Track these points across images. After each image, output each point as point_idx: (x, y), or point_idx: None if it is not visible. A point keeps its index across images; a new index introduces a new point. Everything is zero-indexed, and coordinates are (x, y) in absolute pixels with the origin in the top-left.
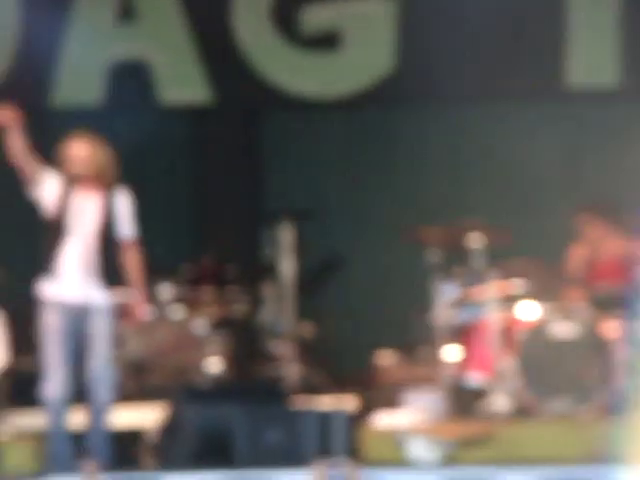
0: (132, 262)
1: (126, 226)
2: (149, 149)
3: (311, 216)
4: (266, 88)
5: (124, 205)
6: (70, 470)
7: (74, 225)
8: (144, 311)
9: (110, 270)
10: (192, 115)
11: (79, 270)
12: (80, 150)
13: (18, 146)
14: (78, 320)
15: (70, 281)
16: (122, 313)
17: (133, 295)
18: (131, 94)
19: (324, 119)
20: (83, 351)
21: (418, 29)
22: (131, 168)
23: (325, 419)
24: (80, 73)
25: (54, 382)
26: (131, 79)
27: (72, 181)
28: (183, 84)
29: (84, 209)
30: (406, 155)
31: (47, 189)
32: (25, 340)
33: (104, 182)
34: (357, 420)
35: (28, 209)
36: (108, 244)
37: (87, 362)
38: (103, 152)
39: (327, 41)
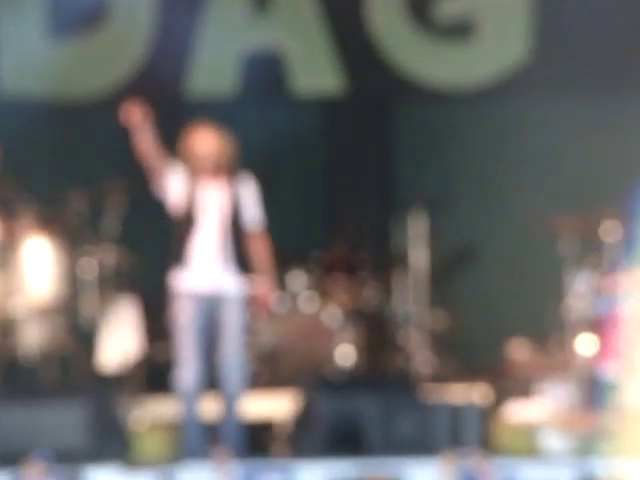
0: (259, 250)
1: (253, 214)
2: (281, 138)
3: (442, 204)
4: (398, 78)
5: (250, 193)
6: (203, 458)
7: (202, 215)
8: (272, 299)
9: (239, 259)
10: (324, 105)
11: (210, 259)
12: (205, 140)
13: (147, 144)
14: (210, 309)
15: (201, 271)
16: (252, 302)
17: (262, 283)
18: (264, 84)
19: (456, 108)
20: (215, 340)
21: (553, 19)
22: (263, 157)
23: (456, 409)
24: (214, 64)
25: (187, 371)
26: (264, 69)
27: (198, 171)
28: (316, 74)
29: (211, 199)
30: (538, 144)
31: (174, 182)
32: (159, 329)
33: (229, 171)
34: (489, 410)
35: (159, 202)
36: (236, 233)
37: (219, 351)
38: (227, 141)
39: (461, 31)
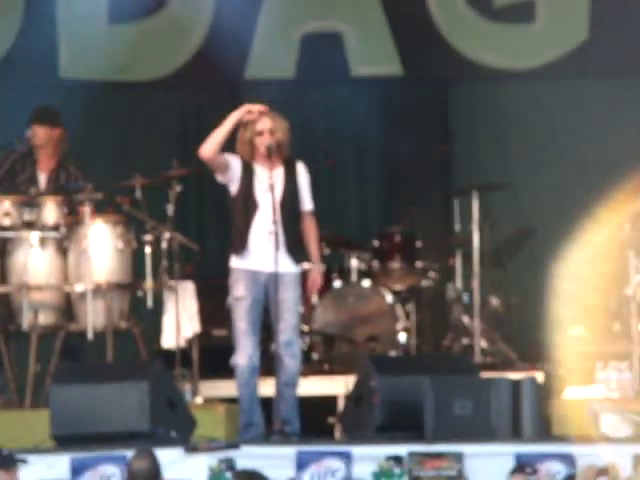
0: (311, 233)
1: (306, 198)
2: (341, 121)
3: (502, 188)
4: (458, 59)
5: (303, 178)
6: (261, 438)
7: (259, 199)
8: (320, 281)
9: (294, 242)
10: (384, 87)
11: (266, 242)
12: (261, 124)
13: (225, 137)
14: (267, 291)
15: (258, 253)
16: (305, 283)
17: (312, 266)
18: (324, 66)
19: (515, 90)
20: (273, 321)
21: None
22: (323, 140)
23: (515, 392)
24: (274, 45)
25: (244, 352)
26: (324, 51)
27: (255, 155)
28: (376, 56)
29: (267, 182)
30: (597, 125)
31: (232, 169)
32: (217, 311)
33: (284, 154)
34: (547, 394)
35: (219, 188)
36: (290, 215)
37: (276, 331)
38: (283, 125)
39: (519, 12)
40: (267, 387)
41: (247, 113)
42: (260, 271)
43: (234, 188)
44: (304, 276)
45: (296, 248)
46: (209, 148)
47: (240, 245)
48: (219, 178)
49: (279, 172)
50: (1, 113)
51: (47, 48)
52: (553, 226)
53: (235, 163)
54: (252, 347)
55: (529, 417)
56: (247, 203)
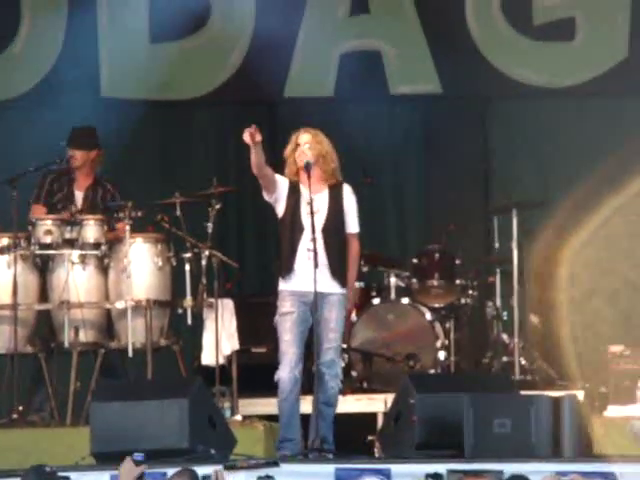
0: (352, 256)
1: (351, 221)
2: (379, 138)
3: (541, 205)
4: (496, 77)
5: (350, 200)
6: (300, 456)
7: (304, 221)
8: (356, 300)
9: (339, 263)
10: (422, 104)
11: (310, 262)
12: (308, 145)
13: (259, 159)
14: (310, 310)
15: (303, 273)
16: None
17: (354, 286)
18: (363, 83)
19: (554, 107)
20: (315, 339)
21: None
22: (362, 157)
23: (555, 410)
24: (313, 64)
25: (288, 364)
26: (363, 69)
27: (300, 176)
28: (414, 74)
29: (314, 203)
30: (633, 141)
31: (280, 190)
32: (256, 329)
33: (331, 177)
34: (588, 412)
35: (258, 206)
36: (336, 238)
37: (318, 349)
38: (325, 143)
39: (559, 30)
40: (306, 405)
41: (246, 136)
42: (306, 291)
43: (280, 209)
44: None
45: (341, 269)
46: (252, 165)
47: (286, 268)
48: (266, 197)
49: (324, 194)
50: (43, 132)
51: (89, 67)
52: (591, 243)
53: (282, 184)
54: (296, 360)
55: (569, 435)
56: (292, 225)
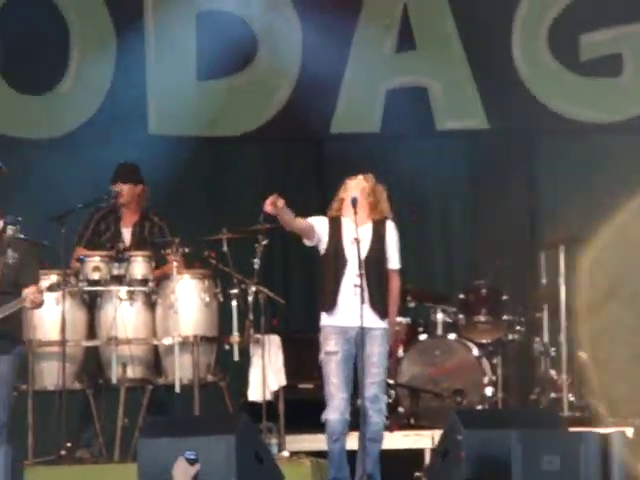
0: (393, 292)
1: (393, 256)
2: (425, 173)
3: (587, 241)
4: (542, 112)
5: (392, 235)
6: None
7: (348, 255)
8: (400, 338)
9: (380, 297)
10: (468, 139)
11: (353, 297)
12: (357, 182)
13: (288, 219)
14: (355, 346)
15: (346, 308)
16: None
17: (395, 321)
18: (410, 120)
19: (601, 143)
20: (360, 376)
21: None
22: (409, 193)
23: (604, 447)
24: (360, 100)
25: (336, 407)
26: (409, 105)
27: (345, 214)
28: (460, 109)
29: (358, 240)
30: None
31: (320, 232)
32: (303, 365)
33: (377, 213)
34: (637, 449)
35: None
36: (377, 272)
37: (363, 386)
38: (378, 185)
39: (606, 65)
40: (351, 441)
41: (268, 207)
42: (349, 326)
43: (322, 247)
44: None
45: (382, 303)
46: (284, 225)
47: (330, 302)
48: (307, 243)
49: (367, 227)
50: (91, 170)
51: (137, 104)
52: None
53: (321, 225)
54: (344, 403)
55: (619, 473)
56: (336, 258)
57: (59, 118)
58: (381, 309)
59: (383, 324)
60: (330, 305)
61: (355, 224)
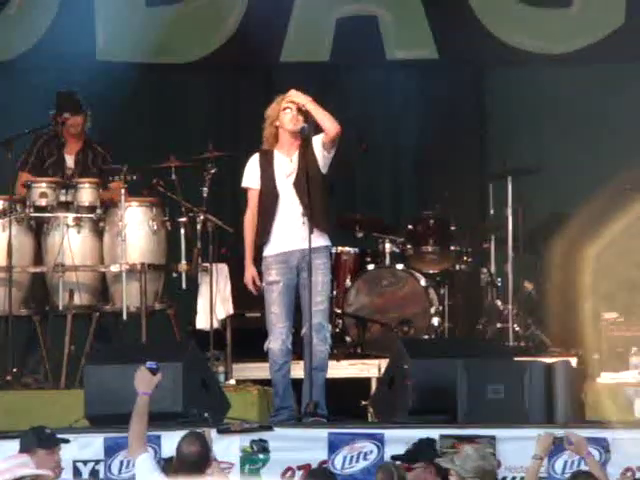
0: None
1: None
2: (374, 104)
3: (536, 172)
4: (493, 43)
5: (317, 142)
6: (292, 421)
7: (280, 186)
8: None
9: (321, 214)
10: (418, 71)
11: (293, 223)
12: (295, 106)
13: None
14: (298, 274)
15: (288, 238)
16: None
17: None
18: (359, 50)
19: (550, 74)
20: (302, 304)
21: None
22: (357, 123)
23: (549, 376)
24: (309, 29)
25: (278, 337)
26: (359, 34)
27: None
28: (411, 40)
29: (289, 165)
30: (631, 109)
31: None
32: (250, 294)
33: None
34: (581, 378)
35: None
36: (315, 187)
37: (307, 315)
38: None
39: None
40: (297, 370)
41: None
42: (290, 255)
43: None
44: (337, 262)
45: (325, 221)
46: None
47: (266, 230)
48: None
49: (295, 156)
50: (39, 95)
51: (84, 31)
52: (587, 209)
53: (254, 179)
54: (286, 332)
55: (562, 401)
56: (270, 189)
57: (5, 42)
58: (324, 225)
59: (325, 242)
60: (271, 234)
61: (289, 154)
